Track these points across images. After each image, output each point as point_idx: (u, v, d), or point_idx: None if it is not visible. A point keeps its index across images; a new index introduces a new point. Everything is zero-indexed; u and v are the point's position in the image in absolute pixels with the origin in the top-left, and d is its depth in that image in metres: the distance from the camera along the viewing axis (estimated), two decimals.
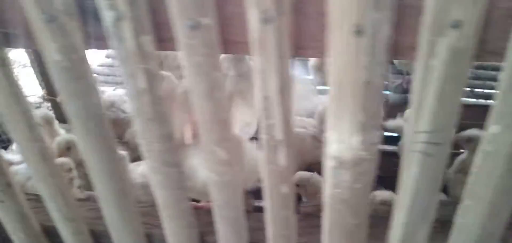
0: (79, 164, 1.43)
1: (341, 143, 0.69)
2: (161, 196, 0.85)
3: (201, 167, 0.91)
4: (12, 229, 1.00)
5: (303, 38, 0.62)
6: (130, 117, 1.57)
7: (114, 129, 0.79)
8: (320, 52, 0.63)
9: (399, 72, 2.36)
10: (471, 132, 1.39)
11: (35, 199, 1.03)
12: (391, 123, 1.70)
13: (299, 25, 0.61)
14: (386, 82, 2.32)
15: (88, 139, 0.77)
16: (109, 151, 0.80)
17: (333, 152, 0.70)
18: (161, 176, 0.80)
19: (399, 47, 0.61)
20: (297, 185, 1.24)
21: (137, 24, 0.62)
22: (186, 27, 0.61)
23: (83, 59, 0.68)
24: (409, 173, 0.73)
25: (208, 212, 1.08)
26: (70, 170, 1.25)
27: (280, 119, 0.69)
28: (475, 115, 1.06)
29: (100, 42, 0.68)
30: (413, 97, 0.65)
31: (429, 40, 0.58)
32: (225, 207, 0.84)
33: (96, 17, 0.65)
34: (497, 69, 2.40)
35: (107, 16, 0.62)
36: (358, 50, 0.58)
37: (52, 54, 0.67)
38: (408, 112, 1.44)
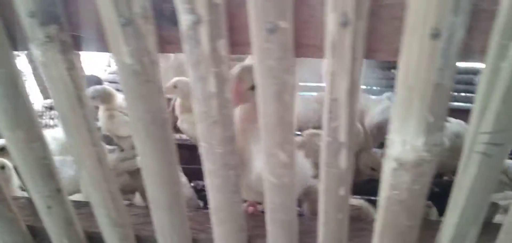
0: None
1: (405, 145, 0.69)
2: (215, 200, 0.84)
3: (257, 162, 0.90)
4: (56, 236, 0.98)
5: (375, 40, 0.64)
6: None
7: None
8: (390, 54, 0.64)
9: None
10: None
11: (79, 205, 1.02)
12: None
13: (371, 28, 0.62)
14: None
15: (149, 142, 0.77)
16: (168, 155, 0.79)
17: (395, 153, 0.71)
18: (219, 179, 0.80)
19: (469, 50, 0.62)
20: None
21: (214, 28, 0.63)
22: (264, 31, 0.61)
23: (154, 63, 0.68)
24: (466, 173, 0.74)
25: (253, 215, 1.08)
26: None
27: (346, 121, 0.69)
28: None
29: (173, 46, 0.68)
30: (477, 98, 0.66)
31: (500, 43, 0.60)
32: (279, 210, 0.84)
33: (171, 20, 0.65)
34: None
35: (185, 20, 0.63)
36: (433, 52, 0.59)
37: (123, 58, 0.67)
38: None
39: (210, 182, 0.82)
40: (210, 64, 0.66)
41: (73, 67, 0.71)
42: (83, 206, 1.08)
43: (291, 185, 0.80)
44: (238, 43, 0.66)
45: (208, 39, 0.63)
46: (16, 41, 0.72)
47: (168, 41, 0.68)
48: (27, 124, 0.79)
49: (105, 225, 0.94)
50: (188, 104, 1.66)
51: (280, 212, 0.84)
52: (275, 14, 0.60)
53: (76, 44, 0.70)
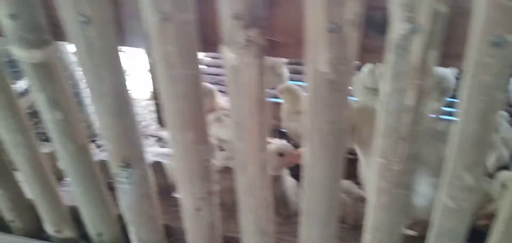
0: None
1: None
2: (377, 218, 0.79)
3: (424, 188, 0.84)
4: (197, 239, 0.97)
5: None
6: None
7: None
8: None
9: None
10: None
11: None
12: None
13: None
14: None
15: (321, 153, 0.73)
16: (337, 167, 0.75)
17: None
18: (388, 197, 0.74)
19: None
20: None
21: (430, 39, 0.58)
22: (487, 43, 0.56)
23: (350, 72, 0.64)
24: None
25: None
26: None
27: None
28: None
29: (372, 54, 0.64)
30: None
31: None
32: (446, 236, 0.77)
33: (379, 28, 0.61)
34: None
35: (399, 28, 0.58)
36: None
37: (319, 65, 0.64)
38: None
39: (376, 199, 0.76)
40: (414, 76, 0.61)
41: (263, 72, 0.68)
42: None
43: (469, 211, 0.73)
44: (448, 55, 0.61)
45: (420, 50, 0.59)
46: (206, 42, 0.71)
47: (367, 50, 0.63)
48: (198, 126, 0.78)
49: (250, 232, 0.91)
50: (296, 108, 1.65)
51: (447, 237, 0.77)
52: (505, 27, 0.54)
53: (274, 49, 0.67)
